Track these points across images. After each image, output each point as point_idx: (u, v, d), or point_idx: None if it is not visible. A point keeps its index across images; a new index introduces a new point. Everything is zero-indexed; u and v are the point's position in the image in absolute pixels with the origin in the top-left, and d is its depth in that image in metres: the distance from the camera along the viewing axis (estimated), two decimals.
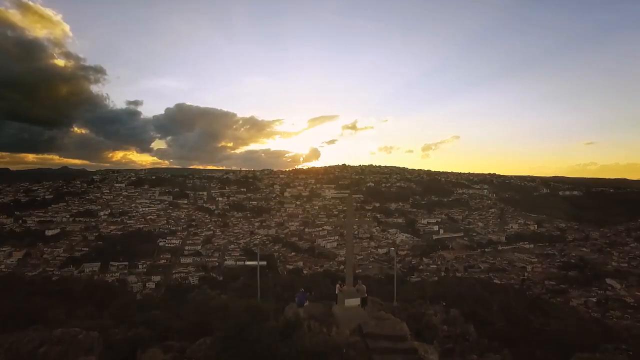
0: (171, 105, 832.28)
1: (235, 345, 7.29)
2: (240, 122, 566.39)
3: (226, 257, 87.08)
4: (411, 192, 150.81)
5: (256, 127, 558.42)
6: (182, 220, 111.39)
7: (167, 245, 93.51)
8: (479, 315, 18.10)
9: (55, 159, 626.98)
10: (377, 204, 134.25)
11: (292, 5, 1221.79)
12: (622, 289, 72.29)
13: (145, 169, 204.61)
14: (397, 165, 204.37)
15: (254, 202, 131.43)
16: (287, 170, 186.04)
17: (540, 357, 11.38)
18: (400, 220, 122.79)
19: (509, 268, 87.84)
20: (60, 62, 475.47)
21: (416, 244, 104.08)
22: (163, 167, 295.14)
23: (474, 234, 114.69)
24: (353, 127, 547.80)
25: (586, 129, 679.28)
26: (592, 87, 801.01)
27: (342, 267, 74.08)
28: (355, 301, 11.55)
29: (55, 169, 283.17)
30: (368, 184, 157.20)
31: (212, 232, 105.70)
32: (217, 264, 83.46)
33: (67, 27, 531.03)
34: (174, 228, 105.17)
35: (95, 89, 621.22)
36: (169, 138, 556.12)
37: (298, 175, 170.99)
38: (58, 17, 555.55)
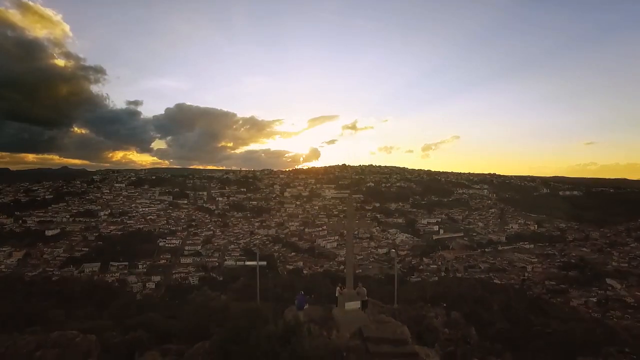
0: (171, 105, 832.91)
1: (234, 350, 7.19)
2: (240, 122, 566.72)
3: (226, 257, 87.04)
4: (411, 192, 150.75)
5: (256, 127, 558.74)
6: (182, 221, 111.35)
7: (167, 245, 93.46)
8: (480, 316, 18.02)
9: (55, 159, 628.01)
10: (377, 204, 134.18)
11: (292, 5, 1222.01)
12: (622, 289, 72.23)
13: (145, 169, 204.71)
14: (397, 165, 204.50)
15: (254, 202, 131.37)
16: (287, 170, 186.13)
17: None
18: (400, 220, 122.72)
19: (509, 268, 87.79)
20: (60, 62, 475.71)
21: (416, 244, 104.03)
22: (163, 167, 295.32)
23: (474, 234, 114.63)
24: (353, 127, 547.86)
25: (586, 129, 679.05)
26: (592, 87, 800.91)
27: (342, 267, 74.02)
28: (355, 304, 11.43)
29: (55, 169, 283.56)
30: (368, 184, 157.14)
31: (212, 232, 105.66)
32: (217, 264, 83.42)
33: (67, 27, 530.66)
34: (174, 228, 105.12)
35: (95, 89, 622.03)
36: (169, 138, 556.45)
37: (298, 175, 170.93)
38: (58, 17, 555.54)
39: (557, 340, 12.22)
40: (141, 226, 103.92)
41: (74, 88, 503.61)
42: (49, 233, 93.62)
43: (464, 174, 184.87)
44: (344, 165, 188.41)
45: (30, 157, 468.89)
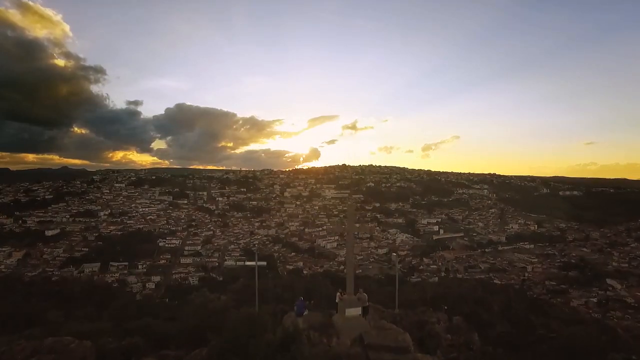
0: (171, 105, 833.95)
1: (232, 358, 7.03)
2: (240, 122, 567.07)
3: (226, 258, 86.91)
4: (411, 192, 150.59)
5: (256, 127, 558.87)
6: (182, 221, 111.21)
7: (167, 245, 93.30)
8: (480, 317, 17.89)
9: (55, 159, 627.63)
10: (377, 204, 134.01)
11: (292, 5, 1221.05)
12: (622, 289, 72.09)
13: (145, 169, 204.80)
14: (397, 165, 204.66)
15: (254, 202, 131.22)
16: (287, 170, 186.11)
17: None
18: (400, 221, 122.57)
19: (509, 268, 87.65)
20: (60, 62, 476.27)
21: (416, 244, 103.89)
22: (163, 167, 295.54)
23: (474, 234, 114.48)
24: (353, 127, 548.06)
25: (586, 129, 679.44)
26: (592, 87, 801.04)
27: (342, 267, 73.90)
28: (356, 310, 11.23)
29: (55, 169, 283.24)
30: (368, 184, 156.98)
31: (212, 232, 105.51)
32: (217, 264, 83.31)
33: (67, 27, 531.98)
34: (174, 228, 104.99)
35: (95, 89, 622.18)
36: (169, 138, 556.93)
37: (298, 175, 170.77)
38: (58, 17, 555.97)
39: (561, 345, 12.07)
40: (141, 226, 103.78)
41: (74, 88, 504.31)
42: (48, 233, 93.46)
43: (464, 174, 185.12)
44: (344, 165, 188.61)
45: (30, 157, 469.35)
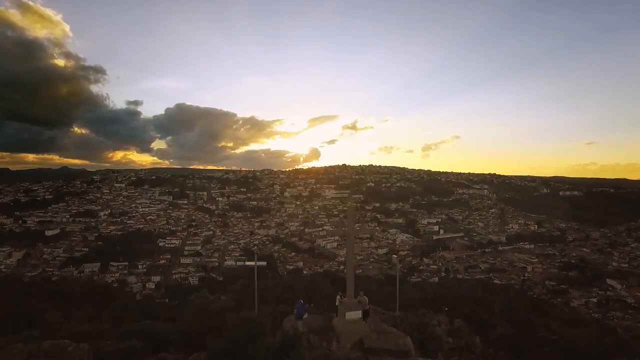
0: (171, 105, 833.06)
1: None
2: (240, 122, 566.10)
3: (226, 258, 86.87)
4: (411, 192, 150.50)
5: (256, 127, 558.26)
6: (182, 221, 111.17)
7: (167, 245, 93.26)
8: (480, 318, 17.83)
9: (55, 159, 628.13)
10: (377, 204, 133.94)
11: (292, 5, 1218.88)
12: (622, 289, 72.03)
13: (145, 169, 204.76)
14: (397, 165, 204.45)
15: (254, 202, 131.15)
16: (287, 170, 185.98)
17: None
18: (400, 221, 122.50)
19: (510, 268, 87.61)
20: (60, 62, 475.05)
21: (416, 244, 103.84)
22: (163, 167, 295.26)
23: (474, 234, 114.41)
24: (353, 127, 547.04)
25: (586, 129, 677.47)
26: (592, 87, 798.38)
27: (342, 267, 73.81)
28: (356, 314, 11.10)
29: (55, 169, 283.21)
30: (368, 184, 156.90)
31: (212, 232, 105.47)
32: (217, 264, 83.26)
33: (67, 27, 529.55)
34: (174, 228, 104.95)
35: (95, 89, 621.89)
36: (169, 138, 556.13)
37: (298, 175, 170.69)
38: (58, 17, 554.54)
39: (562, 348, 11.99)
40: (141, 226, 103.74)
41: (74, 88, 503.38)
42: (48, 233, 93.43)
43: (464, 174, 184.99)
44: (344, 165, 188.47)
45: (30, 157, 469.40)
